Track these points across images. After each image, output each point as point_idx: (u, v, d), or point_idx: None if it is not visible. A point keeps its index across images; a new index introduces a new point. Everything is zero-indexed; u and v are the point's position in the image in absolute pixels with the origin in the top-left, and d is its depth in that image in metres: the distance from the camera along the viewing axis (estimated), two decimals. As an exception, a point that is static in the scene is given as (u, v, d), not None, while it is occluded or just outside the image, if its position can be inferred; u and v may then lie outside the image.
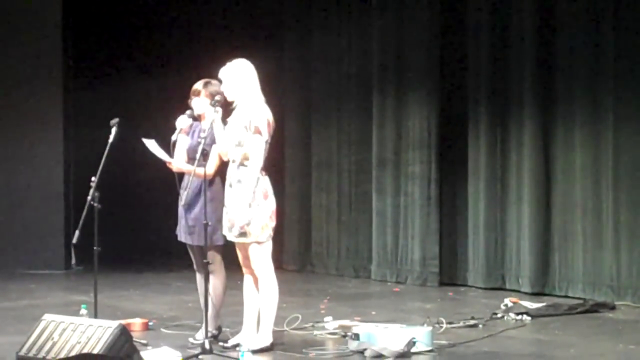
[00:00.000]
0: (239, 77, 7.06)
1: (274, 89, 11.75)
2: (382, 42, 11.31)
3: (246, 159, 6.97)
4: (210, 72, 7.57)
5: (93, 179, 7.21)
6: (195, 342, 7.23)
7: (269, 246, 7.06)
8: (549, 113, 10.01)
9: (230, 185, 7.04)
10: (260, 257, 7.04)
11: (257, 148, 6.94)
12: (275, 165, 11.41)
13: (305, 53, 12.21)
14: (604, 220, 9.60)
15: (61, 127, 12.43)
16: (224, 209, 7.09)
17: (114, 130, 7.39)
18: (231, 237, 7.07)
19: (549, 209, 10.00)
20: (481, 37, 10.51)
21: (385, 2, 11.26)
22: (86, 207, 7.17)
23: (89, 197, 7.18)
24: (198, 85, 7.37)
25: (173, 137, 7.33)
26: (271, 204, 7.04)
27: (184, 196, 7.20)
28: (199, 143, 7.11)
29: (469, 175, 10.64)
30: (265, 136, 6.97)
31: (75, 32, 12.81)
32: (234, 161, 7.04)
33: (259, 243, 7.01)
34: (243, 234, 6.98)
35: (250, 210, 6.90)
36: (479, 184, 10.52)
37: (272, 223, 7.05)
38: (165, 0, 13.57)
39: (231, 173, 7.06)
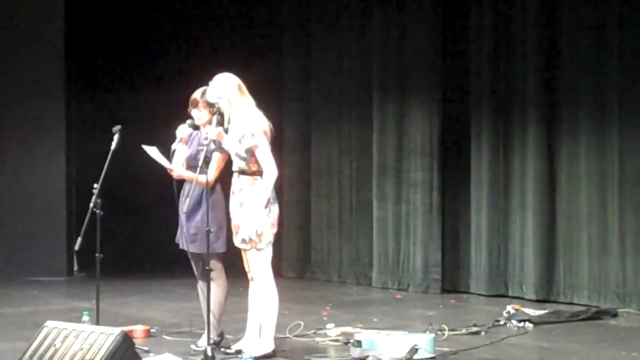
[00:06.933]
0: (223, 93, 7.01)
1: (274, 96, 11.82)
2: (382, 48, 11.29)
3: (244, 169, 6.98)
4: (211, 80, 7.57)
5: (95, 186, 7.20)
6: (197, 348, 7.23)
7: (268, 253, 7.05)
8: (552, 119, 10.00)
9: (233, 193, 7.06)
10: (259, 264, 7.03)
11: (266, 158, 6.93)
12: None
13: (304, 60, 12.20)
14: (609, 226, 9.59)
15: (63, 134, 12.44)
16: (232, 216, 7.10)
17: (116, 138, 7.38)
18: (236, 242, 7.09)
19: (553, 216, 9.99)
20: (483, 44, 10.49)
21: (387, 8, 11.25)
22: (88, 214, 7.15)
23: (91, 204, 7.17)
24: (196, 95, 7.34)
25: (173, 146, 7.35)
26: (273, 211, 7.04)
27: (185, 204, 7.19)
28: (199, 151, 7.12)
29: (472, 182, 10.62)
30: (266, 145, 6.98)
31: (77, 40, 12.82)
32: (235, 170, 7.06)
33: (258, 250, 7.00)
34: (243, 241, 6.98)
35: (258, 217, 6.91)
36: (482, 191, 10.50)
37: (273, 230, 7.04)
38: (167, 9, 13.58)
39: (233, 181, 7.08)
